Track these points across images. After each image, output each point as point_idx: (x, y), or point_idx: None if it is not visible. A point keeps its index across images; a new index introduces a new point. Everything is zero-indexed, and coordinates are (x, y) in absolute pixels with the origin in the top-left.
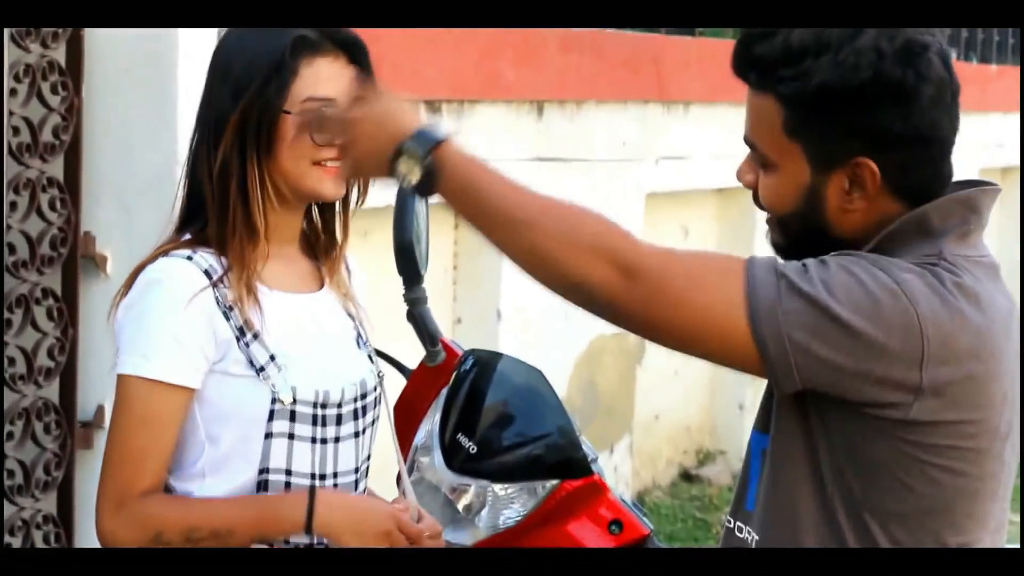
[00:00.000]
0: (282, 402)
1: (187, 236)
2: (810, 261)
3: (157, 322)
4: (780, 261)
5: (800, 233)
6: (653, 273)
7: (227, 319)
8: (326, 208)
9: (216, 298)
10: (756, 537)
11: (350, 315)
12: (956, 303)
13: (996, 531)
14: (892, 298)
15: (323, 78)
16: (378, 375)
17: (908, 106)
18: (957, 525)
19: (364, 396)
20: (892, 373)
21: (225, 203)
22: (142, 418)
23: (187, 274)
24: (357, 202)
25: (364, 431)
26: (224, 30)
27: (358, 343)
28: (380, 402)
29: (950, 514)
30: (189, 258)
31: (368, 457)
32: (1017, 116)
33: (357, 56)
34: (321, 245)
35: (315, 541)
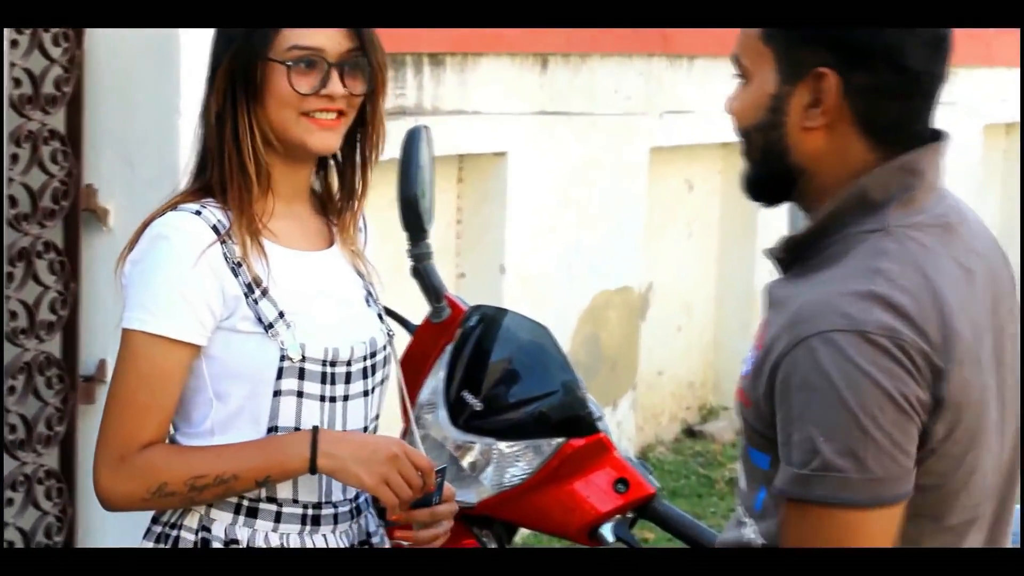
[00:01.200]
0: (291, 359)
1: (195, 186)
2: (795, 428)
3: (163, 277)
4: (799, 462)
5: (762, 153)
6: None
7: (235, 275)
8: (345, 164)
9: (224, 254)
10: (763, 542)
11: (360, 274)
12: (911, 297)
13: (1003, 500)
14: (868, 348)
15: (309, 27)
16: (388, 334)
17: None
18: (959, 503)
19: (373, 355)
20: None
21: (222, 150)
22: (145, 374)
23: (195, 229)
24: (371, 157)
25: (373, 390)
26: None
27: (367, 301)
28: (389, 361)
29: (951, 498)
30: (198, 212)
31: (377, 416)
32: None
33: None
34: (335, 202)
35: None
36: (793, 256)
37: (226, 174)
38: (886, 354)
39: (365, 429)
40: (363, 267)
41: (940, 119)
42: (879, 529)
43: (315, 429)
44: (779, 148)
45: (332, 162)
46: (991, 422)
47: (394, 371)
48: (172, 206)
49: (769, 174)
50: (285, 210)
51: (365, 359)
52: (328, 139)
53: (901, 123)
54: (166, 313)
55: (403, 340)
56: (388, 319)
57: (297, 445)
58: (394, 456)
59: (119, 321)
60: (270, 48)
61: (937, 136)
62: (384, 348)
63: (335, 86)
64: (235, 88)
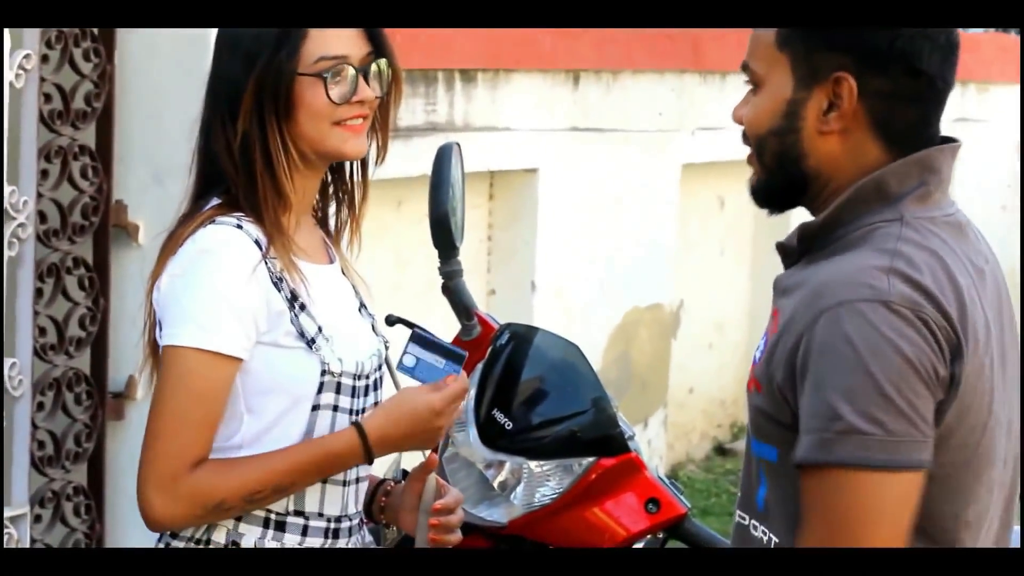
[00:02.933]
0: (332, 373)
1: (216, 201)
2: (821, 391)
3: (214, 293)
4: (822, 424)
5: (777, 159)
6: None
7: (279, 290)
8: (344, 175)
9: (268, 268)
10: (776, 540)
11: (352, 285)
12: (933, 280)
13: (1009, 496)
14: (890, 318)
15: (332, 35)
16: (384, 344)
17: (896, 27)
18: (970, 496)
19: (379, 367)
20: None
21: (252, 174)
22: (199, 391)
23: (241, 244)
24: (377, 162)
25: (379, 401)
26: None
27: (361, 312)
28: (386, 372)
29: (964, 490)
30: (239, 227)
31: None
32: None
33: None
34: (338, 211)
35: (345, 514)
36: (805, 247)
37: (259, 193)
38: (910, 324)
39: None
40: (352, 277)
41: (972, 134)
42: (899, 494)
43: (358, 426)
44: (795, 153)
45: (328, 173)
46: (1000, 419)
47: (392, 379)
48: (209, 219)
49: (783, 179)
50: (302, 222)
51: (375, 371)
52: (360, 144)
53: (915, 126)
54: (218, 328)
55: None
56: (382, 328)
57: (348, 443)
58: (436, 412)
59: (147, 336)
60: (298, 63)
61: (950, 140)
62: (384, 359)
63: (365, 91)
64: (262, 107)
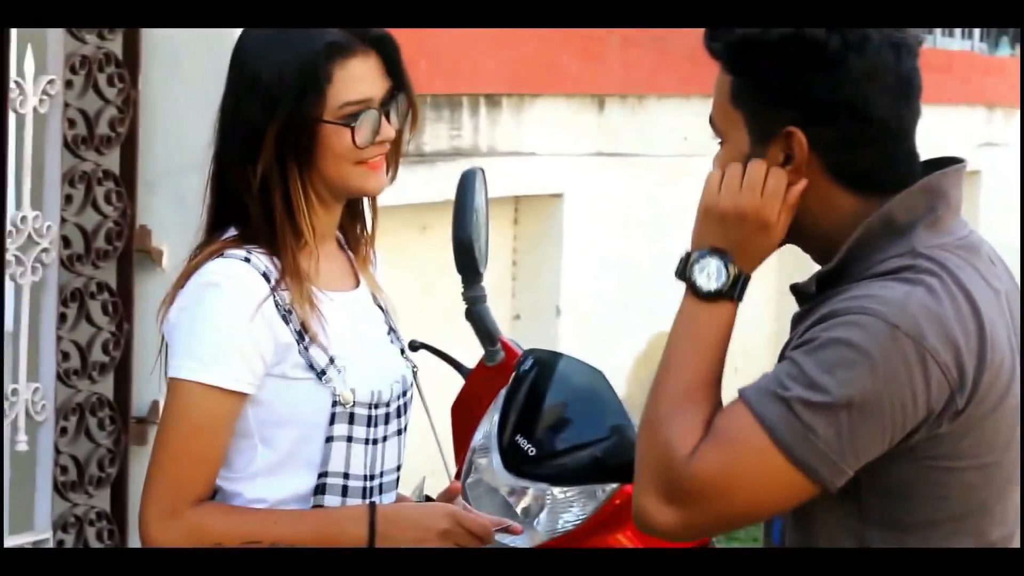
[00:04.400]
0: (343, 405)
1: (232, 232)
2: (800, 356)
3: (216, 326)
4: (778, 379)
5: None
6: (698, 497)
7: (287, 323)
8: (354, 201)
9: (276, 301)
10: None
11: (381, 308)
12: (952, 308)
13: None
14: (893, 345)
15: (357, 79)
16: (413, 370)
17: (834, 74)
18: (996, 516)
19: (404, 393)
20: (931, 413)
21: (271, 215)
22: (198, 424)
23: (247, 278)
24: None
25: (405, 428)
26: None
27: (390, 337)
28: (414, 397)
29: (988, 510)
30: (247, 260)
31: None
32: None
33: (387, 52)
34: (354, 238)
35: None
36: (824, 289)
37: (277, 231)
38: (902, 357)
39: (398, 467)
40: (382, 301)
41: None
42: (771, 484)
43: (372, 507)
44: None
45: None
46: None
47: (423, 404)
48: (218, 252)
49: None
50: (319, 252)
51: (399, 398)
52: (381, 180)
53: (878, 168)
54: (218, 362)
55: (441, 379)
56: (410, 353)
57: (356, 525)
58: (445, 532)
59: (161, 366)
60: (323, 110)
61: (953, 161)
62: (412, 385)
63: (388, 130)
64: (284, 152)
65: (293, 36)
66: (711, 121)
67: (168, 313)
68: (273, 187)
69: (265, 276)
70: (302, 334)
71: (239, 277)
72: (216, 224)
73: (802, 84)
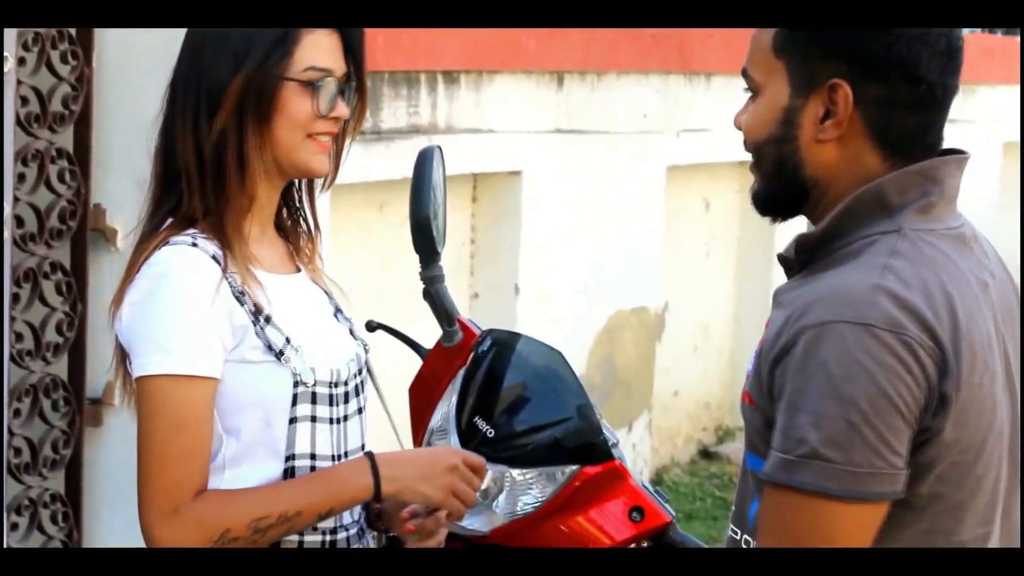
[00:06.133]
0: (305, 384)
1: (170, 220)
2: (792, 399)
3: (176, 315)
4: (787, 443)
5: (775, 167)
6: None
7: (241, 304)
8: (300, 193)
9: (230, 283)
10: None
11: (324, 291)
12: (923, 296)
13: (1009, 519)
14: (875, 342)
15: (323, 48)
16: (365, 348)
17: (892, 32)
18: (971, 517)
19: (360, 372)
20: (932, 389)
21: (222, 175)
22: (180, 418)
23: (199, 263)
24: (324, 185)
25: (364, 407)
26: None
27: (337, 318)
28: (370, 375)
29: (961, 511)
30: (194, 245)
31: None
32: None
33: (351, 37)
34: (292, 227)
35: (341, 524)
36: (805, 258)
37: (227, 195)
38: (888, 350)
39: (362, 447)
40: (325, 284)
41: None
42: (857, 525)
43: (370, 455)
44: (792, 161)
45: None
46: (1001, 437)
47: (373, 383)
48: (163, 241)
49: (782, 188)
50: (259, 235)
51: (356, 376)
52: (325, 162)
53: (915, 135)
54: (186, 350)
55: (399, 360)
56: (362, 333)
57: (358, 474)
58: (454, 466)
59: (113, 365)
60: (288, 68)
61: (956, 152)
62: (365, 363)
63: (342, 108)
64: (243, 108)
65: None
66: (744, 73)
67: (120, 311)
68: (227, 145)
69: (215, 259)
70: (256, 315)
71: (190, 263)
72: (159, 205)
73: (856, 36)
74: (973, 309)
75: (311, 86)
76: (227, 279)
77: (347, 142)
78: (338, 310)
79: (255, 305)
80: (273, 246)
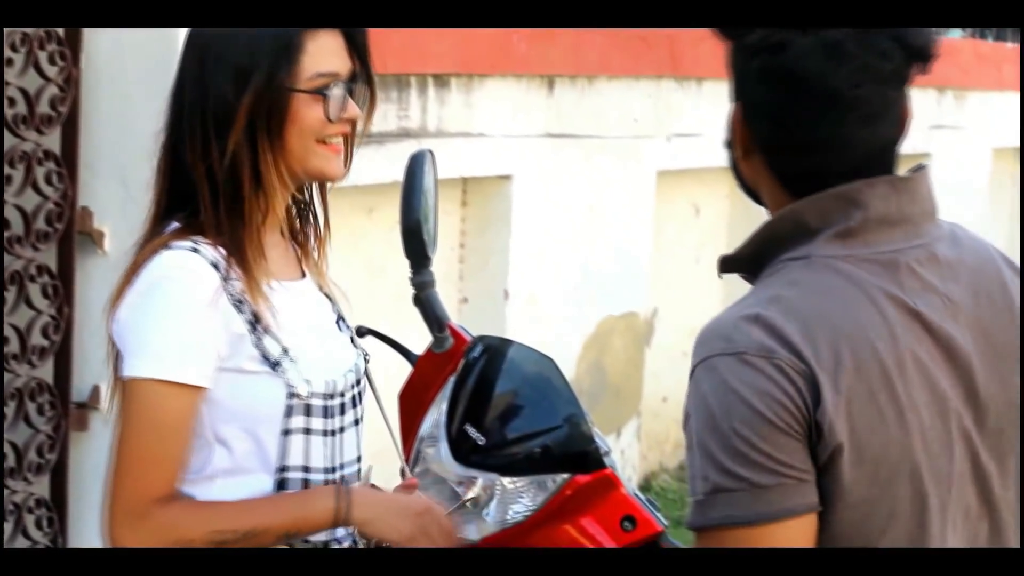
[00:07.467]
0: (299, 396)
1: (175, 225)
2: (690, 442)
3: (170, 321)
4: (693, 488)
5: (733, 173)
6: None
7: (239, 312)
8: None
9: (228, 291)
10: None
11: (329, 298)
12: (799, 328)
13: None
14: (748, 369)
15: (328, 51)
16: (364, 358)
17: (750, 69)
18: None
19: (358, 382)
20: (808, 409)
21: (238, 194)
22: (158, 423)
23: (198, 269)
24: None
25: (362, 418)
26: None
27: (339, 326)
28: (369, 385)
29: (881, 535)
30: (195, 250)
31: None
32: None
33: (354, 35)
34: (301, 230)
35: (335, 537)
36: (748, 274)
37: (243, 219)
38: (761, 373)
39: (358, 459)
40: (330, 291)
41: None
42: (790, 539)
43: (338, 484)
44: (737, 171)
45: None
46: (921, 465)
47: (373, 393)
48: (163, 244)
49: (746, 191)
50: (272, 240)
51: (353, 387)
52: (340, 165)
53: (807, 176)
54: (175, 358)
55: (394, 366)
56: (364, 341)
57: (324, 503)
58: (428, 509)
59: (109, 368)
60: (296, 79)
61: (919, 168)
62: (365, 373)
63: (352, 108)
64: (254, 127)
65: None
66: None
67: (117, 312)
68: (242, 164)
69: (215, 266)
70: (255, 324)
71: (189, 269)
72: (164, 214)
73: (735, 76)
74: (874, 339)
75: (320, 93)
76: (226, 286)
77: (360, 130)
78: (340, 318)
79: (254, 314)
80: (279, 251)
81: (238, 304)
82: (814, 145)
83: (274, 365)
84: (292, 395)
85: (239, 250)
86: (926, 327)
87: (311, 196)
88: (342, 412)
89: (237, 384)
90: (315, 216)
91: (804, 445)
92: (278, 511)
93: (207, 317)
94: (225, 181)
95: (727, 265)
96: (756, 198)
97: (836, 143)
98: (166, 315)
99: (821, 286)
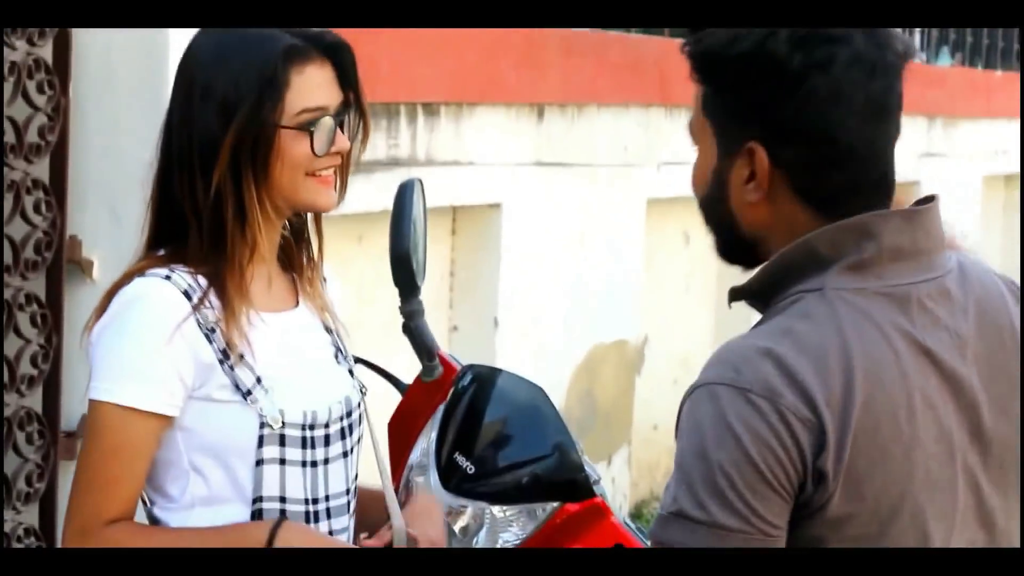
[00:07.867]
0: (271, 426)
1: (160, 252)
2: (676, 460)
3: (132, 347)
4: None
5: (716, 224)
6: None
7: (210, 341)
8: (301, 217)
9: (197, 320)
10: None
11: (328, 329)
12: (812, 364)
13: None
14: (750, 409)
15: (314, 86)
16: (361, 391)
17: (798, 94)
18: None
19: (349, 414)
20: (807, 464)
21: (221, 228)
22: (113, 446)
23: (166, 296)
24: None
25: (352, 450)
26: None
27: (337, 358)
28: (363, 419)
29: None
30: (167, 278)
31: (356, 476)
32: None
33: (343, 63)
34: (297, 258)
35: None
36: (758, 304)
37: (227, 245)
38: (761, 417)
39: (347, 491)
40: (330, 322)
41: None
42: None
43: (281, 515)
44: (728, 220)
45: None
46: (924, 504)
47: (367, 428)
48: (139, 271)
49: (726, 243)
50: (257, 271)
51: (342, 419)
52: (331, 196)
53: (844, 191)
54: (134, 383)
55: (385, 397)
56: (360, 373)
57: (257, 532)
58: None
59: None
60: (281, 115)
61: (926, 200)
62: (359, 406)
63: (342, 141)
64: (238, 162)
65: (247, 42)
66: (688, 127)
67: (90, 335)
68: (226, 199)
69: (186, 294)
70: (227, 353)
71: (157, 296)
72: (155, 243)
73: (763, 102)
74: (884, 375)
75: (306, 129)
76: (198, 315)
77: (354, 157)
78: (339, 350)
79: (228, 343)
80: (270, 281)
81: (209, 332)
82: (853, 153)
83: (245, 394)
84: (263, 424)
85: (219, 281)
86: (935, 364)
87: (304, 221)
88: (326, 443)
89: (208, 413)
90: (308, 242)
91: (788, 503)
92: (214, 541)
93: (171, 344)
94: (209, 214)
95: (737, 295)
96: (747, 253)
97: (874, 147)
98: (128, 340)
99: (834, 320)
